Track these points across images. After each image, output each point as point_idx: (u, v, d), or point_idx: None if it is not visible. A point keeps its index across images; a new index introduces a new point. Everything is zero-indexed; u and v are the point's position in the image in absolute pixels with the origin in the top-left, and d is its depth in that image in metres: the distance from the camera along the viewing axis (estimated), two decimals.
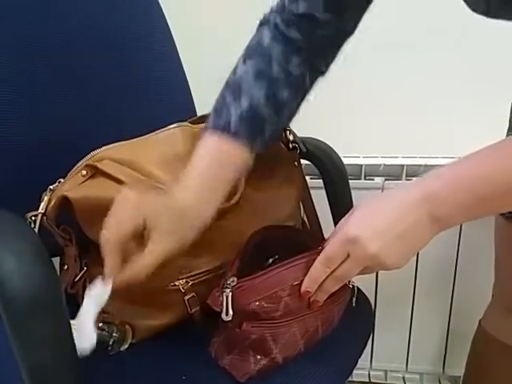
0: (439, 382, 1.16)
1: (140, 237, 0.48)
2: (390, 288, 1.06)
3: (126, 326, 0.59)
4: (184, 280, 0.58)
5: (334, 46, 0.60)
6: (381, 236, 0.45)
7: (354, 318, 0.63)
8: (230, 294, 0.49)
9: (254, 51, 0.57)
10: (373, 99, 1.06)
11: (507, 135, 0.69)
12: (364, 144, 0.97)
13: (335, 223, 0.75)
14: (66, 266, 0.60)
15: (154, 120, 0.62)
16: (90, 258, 0.61)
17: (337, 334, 0.60)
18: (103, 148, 0.56)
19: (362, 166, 1.00)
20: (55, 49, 0.66)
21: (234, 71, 0.57)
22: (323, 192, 0.77)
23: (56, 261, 0.61)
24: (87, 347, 0.45)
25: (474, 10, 0.53)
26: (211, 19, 1.08)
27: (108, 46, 0.73)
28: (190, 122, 0.64)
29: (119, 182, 0.54)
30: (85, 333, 0.46)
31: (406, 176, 1.00)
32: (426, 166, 0.98)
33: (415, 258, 1.02)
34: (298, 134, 0.71)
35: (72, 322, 0.43)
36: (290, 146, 0.70)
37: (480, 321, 0.83)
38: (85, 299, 0.49)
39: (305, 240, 0.60)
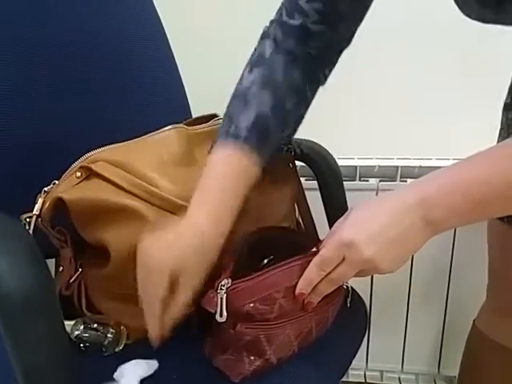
0: (434, 382, 1.16)
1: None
2: (385, 289, 1.06)
3: (121, 327, 0.59)
4: None
5: (331, 57, 0.61)
6: (376, 240, 0.46)
7: (348, 319, 0.63)
8: (225, 295, 0.49)
9: (257, 62, 0.58)
10: (367, 101, 1.07)
11: (499, 134, 0.70)
12: (358, 145, 0.98)
13: (330, 224, 0.75)
14: (61, 268, 0.60)
15: (149, 122, 0.62)
16: (85, 259, 0.61)
17: (331, 335, 0.60)
18: (98, 150, 0.56)
19: (356, 167, 1.01)
20: (52, 51, 0.66)
21: (241, 81, 0.58)
22: (318, 193, 0.78)
23: (51, 262, 0.61)
24: None
25: (468, 15, 0.53)
26: (206, 20, 1.08)
27: (103, 49, 0.73)
28: (186, 124, 0.64)
29: (114, 183, 0.54)
30: None
31: (401, 177, 1.00)
32: (420, 167, 0.99)
33: (410, 258, 1.03)
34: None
35: (66, 323, 0.43)
36: (285, 147, 0.70)
37: (474, 321, 0.83)
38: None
39: (300, 241, 0.60)
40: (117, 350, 0.58)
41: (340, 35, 0.59)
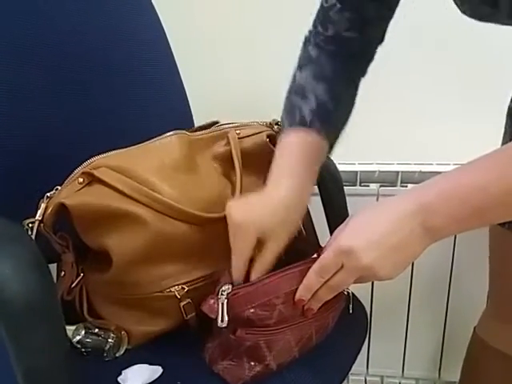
0: None
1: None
2: (386, 294, 1.06)
3: (122, 332, 0.59)
4: (180, 286, 0.58)
5: (368, 53, 0.67)
6: (375, 247, 0.46)
7: (348, 325, 0.63)
8: (226, 301, 0.50)
9: (305, 63, 0.65)
10: (367, 106, 1.07)
11: (503, 138, 0.70)
12: (359, 150, 0.98)
13: (330, 230, 0.75)
14: (63, 273, 0.60)
15: (151, 128, 0.62)
16: (87, 264, 0.61)
17: (331, 341, 0.60)
18: (100, 156, 0.57)
19: (357, 172, 1.01)
20: (49, 53, 0.67)
21: (294, 79, 0.65)
22: (318, 198, 0.78)
23: (53, 267, 0.62)
24: None
25: (464, 12, 0.53)
26: (208, 25, 1.08)
27: (104, 52, 0.74)
28: (187, 130, 0.64)
29: (115, 189, 0.55)
30: None
31: (401, 182, 1.00)
32: (420, 172, 0.99)
33: (410, 264, 1.03)
34: None
35: (68, 327, 0.43)
36: None
37: (475, 328, 0.83)
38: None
39: (300, 246, 0.60)
40: (118, 354, 0.58)
41: (372, 36, 0.65)
